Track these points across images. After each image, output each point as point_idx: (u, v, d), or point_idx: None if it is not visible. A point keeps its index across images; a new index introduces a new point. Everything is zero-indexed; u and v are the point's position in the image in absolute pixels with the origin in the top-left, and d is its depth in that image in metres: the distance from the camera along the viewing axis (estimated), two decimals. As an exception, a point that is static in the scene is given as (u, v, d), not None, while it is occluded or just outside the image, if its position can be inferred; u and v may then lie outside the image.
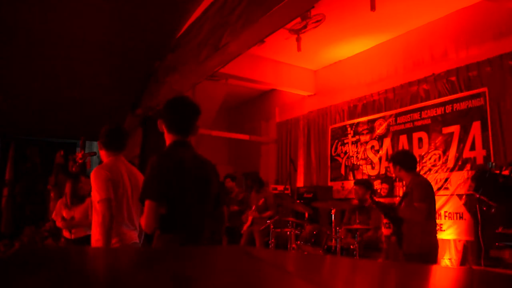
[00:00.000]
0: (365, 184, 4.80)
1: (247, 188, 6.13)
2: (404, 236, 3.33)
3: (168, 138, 2.20)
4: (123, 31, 4.95)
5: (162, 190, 1.97)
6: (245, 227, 5.87)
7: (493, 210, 3.48)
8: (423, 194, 3.29)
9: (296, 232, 4.79)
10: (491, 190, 3.55)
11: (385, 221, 4.59)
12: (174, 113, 2.21)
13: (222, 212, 2.33)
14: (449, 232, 4.73)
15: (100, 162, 2.90)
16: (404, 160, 3.52)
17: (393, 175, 3.76)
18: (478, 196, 3.74)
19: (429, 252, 3.27)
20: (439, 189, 4.84)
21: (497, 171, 3.64)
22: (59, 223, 4.32)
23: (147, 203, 1.96)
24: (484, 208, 3.73)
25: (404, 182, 4.54)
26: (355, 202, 5.08)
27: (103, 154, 2.79)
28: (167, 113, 2.21)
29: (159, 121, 2.22)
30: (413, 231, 3.27)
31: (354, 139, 6.34)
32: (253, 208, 5.77)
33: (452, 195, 4.78)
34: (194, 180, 2.11)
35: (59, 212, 4.36)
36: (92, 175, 2.57)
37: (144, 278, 0.48)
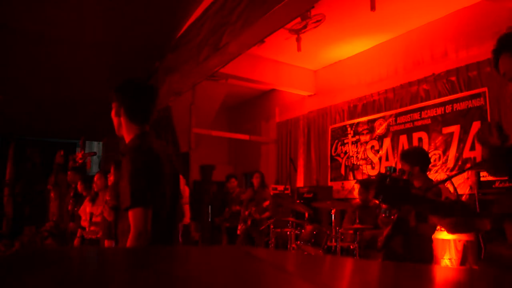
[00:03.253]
0: (367, 186, 4.74)
1: (251, 186, 6.13)
2: (407, 241, 3.24)
3: (130, 128, 1.89)
4: (123, 31, 4.95)
5: (151, 193, 1.72)
6: (242, 228, 5.86)
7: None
8: None
9: (296, 232, 4.79)
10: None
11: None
12: (138, 99, 1.90)
13: (181, 206, 2.11)
14: (449, 232, 4.73)
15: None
16: (423, 160, 3.20)
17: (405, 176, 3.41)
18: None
19: (429, 257, 3.23)
20: (439, 189, 4.84)
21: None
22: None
23: (139, 210, 1.67)
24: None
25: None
26: (357, 201, 5.06)
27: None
28: (131, 99, 1.90)
29: (116, 105, 1.90)
30: (417, 237, 3.19)
31: (354, 139, 6.34)
32: (253, 210, 5.75)
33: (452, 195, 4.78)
34: (169, 176, 1.86)
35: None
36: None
37: (143, 278, 0.48)
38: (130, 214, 1.69)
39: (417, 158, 3.23)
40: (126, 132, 1.90)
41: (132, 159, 1.75)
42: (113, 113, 1.94)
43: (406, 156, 3.31)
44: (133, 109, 1.88)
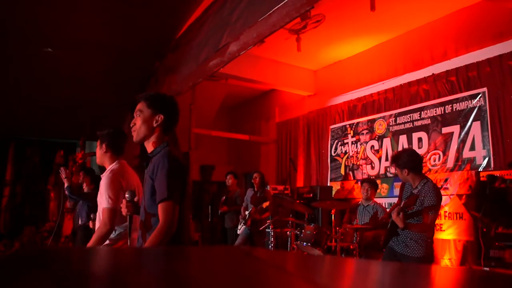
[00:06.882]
0: (373, 183, 4.79)
1: (252, 186, 6.12)
2: (404, 241, 3.26)
3: (161, 137, 2.06)
4: (123, 31, 4.95)
5: (180, 192, 1.93)
6: (242, 228, 5.85)
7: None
8: (437, 205, 3.13)
9: (296, 232, 4.79)
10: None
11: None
12: (175, 111, 2.11)
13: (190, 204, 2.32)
14: (449, 232, 4.73)
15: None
16: (411, 162, 3.25)
17: (401, 179, 3.40)
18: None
19: (428, 256, 3.23)
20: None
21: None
22: None
23: (171, 204, 1.86)
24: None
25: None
26: (358, 201, 5.07)
27: (108, 156, 2.74)
28: (171, 110, 2.09)
29: (160, 116, 2.04)
30: (416, 235, 3.19)
31: (354, 139, 6.34)
32: (253, 210, 5.75)
33: (452, 195, 4.79)
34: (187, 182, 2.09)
35: None
36: (107, 180, 2.53)
37: (143, 278, 0.48)
38: (162, 206, 1.87)
39: (406, 161, 3.26)
40: (156, 140, 2.04)
41: (170, 161, 1.93)
42: (141, 121, 2.03)
43: (395, 160, 3.34)
44: (171, 120, 2.08)
